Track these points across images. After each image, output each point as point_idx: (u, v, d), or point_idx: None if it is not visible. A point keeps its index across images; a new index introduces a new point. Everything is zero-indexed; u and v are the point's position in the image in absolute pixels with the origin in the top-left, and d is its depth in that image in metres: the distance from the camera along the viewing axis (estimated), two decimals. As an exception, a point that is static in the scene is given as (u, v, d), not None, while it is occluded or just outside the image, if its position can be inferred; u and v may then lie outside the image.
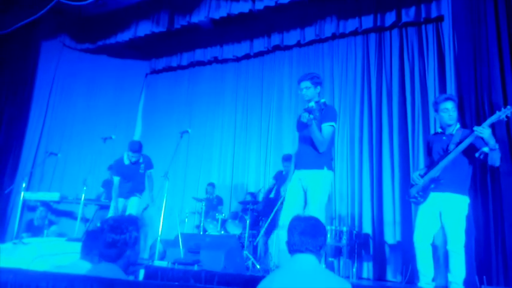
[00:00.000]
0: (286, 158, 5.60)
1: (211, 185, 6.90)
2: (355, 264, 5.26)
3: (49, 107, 7.24)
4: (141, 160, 5.38)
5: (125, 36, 6.82)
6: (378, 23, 5.94)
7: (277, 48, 7.12)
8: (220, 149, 7.49)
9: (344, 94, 6.36)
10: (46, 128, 7.16)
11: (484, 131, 3.12)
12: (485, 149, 3.22)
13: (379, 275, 5.36)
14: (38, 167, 6.71)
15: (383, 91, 5.99)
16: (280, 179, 5.70)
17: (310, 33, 6.62)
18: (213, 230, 6.03)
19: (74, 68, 7.58)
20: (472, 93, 4.20)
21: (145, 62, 8.52)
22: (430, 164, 3.49)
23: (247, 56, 7.45)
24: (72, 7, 6.14)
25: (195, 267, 4.11)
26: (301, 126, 3.42)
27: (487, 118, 3.60)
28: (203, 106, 7.85)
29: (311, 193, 3.31)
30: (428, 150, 3.62)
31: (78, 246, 2.56)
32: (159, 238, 4.81)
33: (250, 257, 5.19)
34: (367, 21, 6.04)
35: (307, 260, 1.94)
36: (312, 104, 3.38)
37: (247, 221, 5.57)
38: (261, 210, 5.96)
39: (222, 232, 5.89)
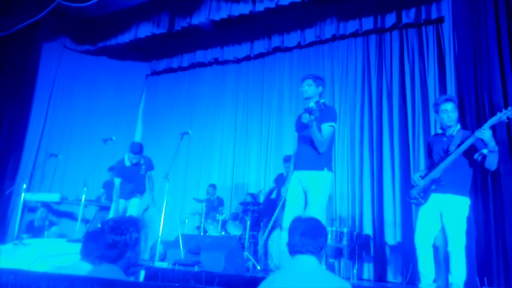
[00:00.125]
0: (287, 159, 5.60)
1: (212, 186, 6.90)
2: (356, 265, 5.25)
3: (50, 108, 7.25)
4: (142, 161, 5.39)
5: (125, 37, 6.83)
6: (378, 25, 5.95)
7: (277, 49, 7.13)
8: (221, 150, 7.49)
9: (344, 95, 6.36)
10: (47, 129, 7.17)
11: (484, 132, 3.12)
12: (485, 151, 3.22)
13: (380, 276, 5.35)
14: (38, 168, 6.72)
15: (383, 92, 5.99)
16: (281, 181, 5.70)
17: (310, 34, 6.63)
18: (214, 231, 6.03)
19: (74, 70, 7.60)
20: (472, 94, 4.20)
21: (146, 64, 8.53)
22: (431, 165, 3.49)
23: (247, 58, 7.46)
24: (73, 9, 6.15)
25: (196, 268, 4.10)
26: (301, 126, 3.42)
27: (488, 119, 3.60)
28: (204, 107, 7.86)
29: (311, 194, 3.31)
30: (429, 152, 3.62)
31: (78, 247, 2.57)
32: (159, 239, 4.81)
33: (251, 257, 5.19)
34: (368, 23, 6.04)
35: (307, 261, 1.94)
36: (312, 104, 3.38)
37: (248, 222, 5.58)
38: (261, 211, 5.96)
39: (223, 233, 5.89)
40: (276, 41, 6.96)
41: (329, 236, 4.99)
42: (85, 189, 5.29)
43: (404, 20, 5.76)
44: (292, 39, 6.83)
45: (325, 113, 3.33)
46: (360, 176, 5.89)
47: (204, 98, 7.90)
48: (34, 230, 6.08)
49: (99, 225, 5.42)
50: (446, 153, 3.34)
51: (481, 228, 3.92)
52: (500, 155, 3.85)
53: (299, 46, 6.91)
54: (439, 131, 3.56)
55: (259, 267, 5.11)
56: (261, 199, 6.36)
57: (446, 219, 3.27)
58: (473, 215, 3.81)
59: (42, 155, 6.80)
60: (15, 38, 6.72)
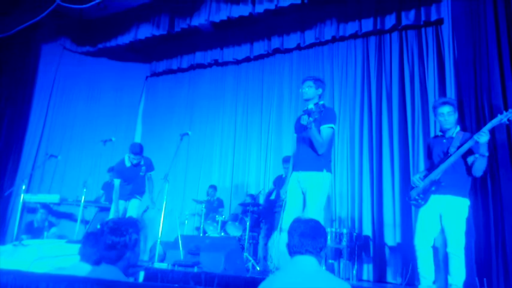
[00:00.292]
0: (286, 160, 5.60)
1: (213, 187, 6.90)
2: (355, 266, 5.25)
3: (49, 109, 7.26)
4: (142, 162, 5.38)
5: (125, 39, 6.83)
6: (377, 26, 5.95)
7: (277, 51, 7.13)
8: (221, 151, 7.50)
9: (344, 97, 6.36)
10: (46, 130, 7.17)
11: (482, 135, 3.12)
12: (476, 155, 3.23)
13: (379, 277, 5.36)
14: (38, 169, 6.72)
15: (383, 94, 5.99)
16: (280, 183, 5.70)
17: (310, 36, 6.64)
18: (213, 232, 6.03)
19: (74, 71, 7.61)
20: (471, 96, 4.21)
21: (146, 65, 8.54)
22: (431, 167, 3.50)
23: (247, 59, 7.46)
24: (73, 10, 6.16)
25: (195, 269, 4.11)
26: (300, 127, 3.43)
27: (487, 121, 3.60)
28: (203, 109, 7.86)
29: (310, 195, 3.32)
30: (429, 153, 3.62)
31: (78, 248, 2.56)
32: (159, 240, 4.81)
33: (250, 258, 5.19)
34: (367, 24, 6.05)
35: (307, 262, 1.94)
36: (311, 106, 3.39)
37: (247, 223, 5.58)
38: (261, 212, 5.96)
39: (222, 234, 5.89)
40: (275, 42, 6.97)
41: (328, 237, 4.99)
42: (84, 190, 5.29)
43: (404, 21, 5.76)
44: (291, 40, 6.83)
45: (325, 114, 3.33)
46: (359, 177, 5.89)
47: (203, 99, 7.91)
48: (33, 231, 6.08)
49: (98, 226, 5.42)
50: (446, 155, 3.34)
51: (480, 230, 3.92)
52: (499, 157, 3.87)
53: (299, 47, 6.92)
54: (439, 133, 3.56)
55: (258, 268, 5.11)
56: (261, 200, 6.36)
57: (446, 220, 3.27)
58: (472, 217, 3.81)
59: (42, 156, 6.80)
60: (15, 39, 6.72)
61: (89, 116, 7.66)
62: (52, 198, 5.96)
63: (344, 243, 5.10)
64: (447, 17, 4.98)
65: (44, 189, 6.83)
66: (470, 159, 3.27)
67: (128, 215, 5.24)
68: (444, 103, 3.42)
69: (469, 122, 4.14)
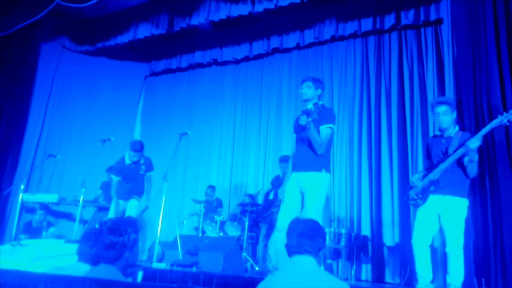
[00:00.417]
0: (283, 159, 5.59)
1: (211, 187, 6.90)
2: (354, 266, 5.25)
3: (48, 108, 7.24)
4: (142, 161, 5.35)
5: (124, 38, 6.83)
6: (377, 26, 5.95)
7: (276, 50, 7.13)
8: (220, 151, 7.49)
9: (343, 97, 6.36)
10: (45, 130, 7.16)
11: (472, 142, 3.11)
12: (466, 159, 3.24)
13: (378, 277, 5.36)
14: (36, 168, 6.71)
15: (382, 94, 5.99)
16: (278, 183, 5.70)
17: (309, 35, 6.63)
18: (212, 231, 6.02)
19: (73, 70, 7.59)
20: (470, 96, 4.21)
21: (145, 64, 8.53)
22: (429, 167, 3.50)
23: (246, 59, 7.46)
24: (72, 9, 6.15)
25: (194, 269, 4.10)
26: (299, 128, 3.43)
27: (486, 121, 3.61)
28: (202, 108, 7.86)
29: (308, 195, 3.32)
30: (428, 153, 3.62)
31: (76, 248, 2.56)
32: (157, 240, 4.80)
33: (249, 258, 5.19)
34: (367, 24, 6.05)
35: (305, 262, 1.94)
36: (310, 106, 3.39)
37: (246, 223, 5.57)
38: (260, 212, 5.96)
39: (221, 234, 5.89)
40: (275, 42, 6.97)
41: (327, 237, 4.99)
42: (83, 190, 5.27)
43: (403, 21, 5.77)
44: (291, 40, 6.83)
45: (324, 114, 3.33)
46: (358, 177, 5.90)
47: (202, 98, 7.90)
48: (32, 231, 6.07)
49: (97, 226, 5.41)
50: (445, 155, 3.34)
51: (479, 230, 3.92)
52: (498, 156, 3.87)
53: (298, 47, 6.91)
54: (438, 133, 3.56)
55: (257, 268, 5.11)
56: (260, 200, 6.36)
57: (444, 220, 3.27)
58: (471, 217, 3.82)
59: (41, 156, 6.78)
60: (15, 37, 6.72)
61: (88, 115, 7.65)
62: (50, 198, 5.95)
63: (342, 243, 5.11)
64: (446, 17, 4.99)
65: (43, 189, 6.82)
66: (466, 160, 3.28)
67: (127, 214, 5.22)
68: (440, 103, 3.41)
69: (468, 121, 4.15)
